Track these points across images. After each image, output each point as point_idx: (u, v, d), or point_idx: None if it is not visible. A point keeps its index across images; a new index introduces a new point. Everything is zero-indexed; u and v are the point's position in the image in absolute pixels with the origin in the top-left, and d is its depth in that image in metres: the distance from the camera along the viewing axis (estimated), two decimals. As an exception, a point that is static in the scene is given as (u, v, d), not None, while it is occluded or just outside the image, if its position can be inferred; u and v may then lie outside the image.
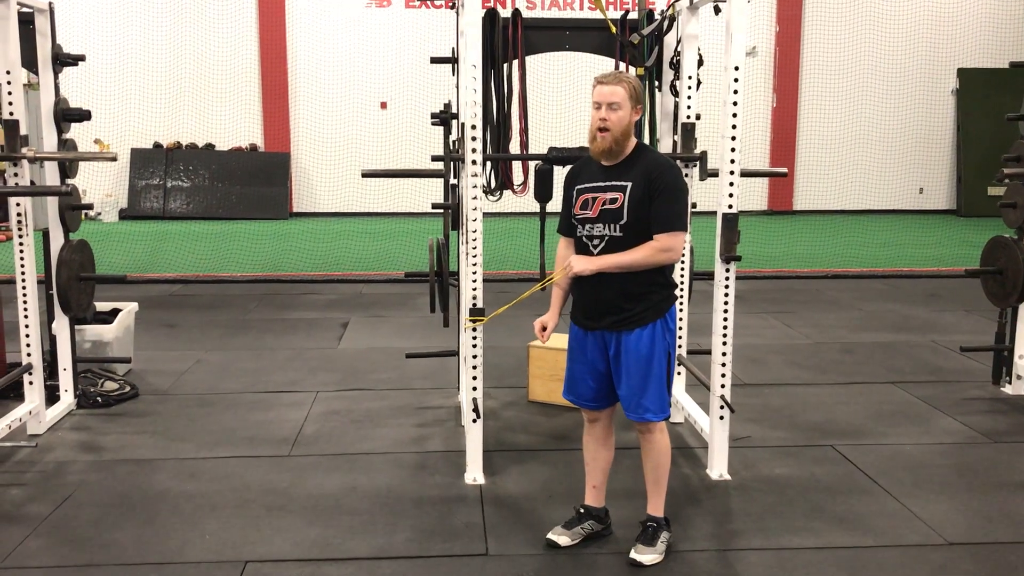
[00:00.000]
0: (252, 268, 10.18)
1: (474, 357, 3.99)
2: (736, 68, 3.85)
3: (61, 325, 5.05)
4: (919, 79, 16.39)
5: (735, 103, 3.88)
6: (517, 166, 5.24)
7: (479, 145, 3.89)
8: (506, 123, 5.02)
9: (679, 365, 5.00)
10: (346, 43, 15.91)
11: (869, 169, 16.62)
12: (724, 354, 4.10)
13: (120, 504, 3.88)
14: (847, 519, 3.75)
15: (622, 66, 5.09)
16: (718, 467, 4.18)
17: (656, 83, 5.06)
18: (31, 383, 4.72)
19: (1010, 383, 5.57)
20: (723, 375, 4.11)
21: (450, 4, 5.11)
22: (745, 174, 4.12)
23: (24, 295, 4.66)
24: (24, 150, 4.52)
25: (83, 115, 4.96)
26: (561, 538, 3.47)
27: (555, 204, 5.05)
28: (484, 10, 4.47)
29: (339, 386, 5.66)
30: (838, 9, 16.16)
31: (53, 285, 4.94)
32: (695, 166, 4.82)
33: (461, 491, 4.02)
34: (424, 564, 3.36)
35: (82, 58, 5.06)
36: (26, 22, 4.75)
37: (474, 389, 4.02)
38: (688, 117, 4.80)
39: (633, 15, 4.95)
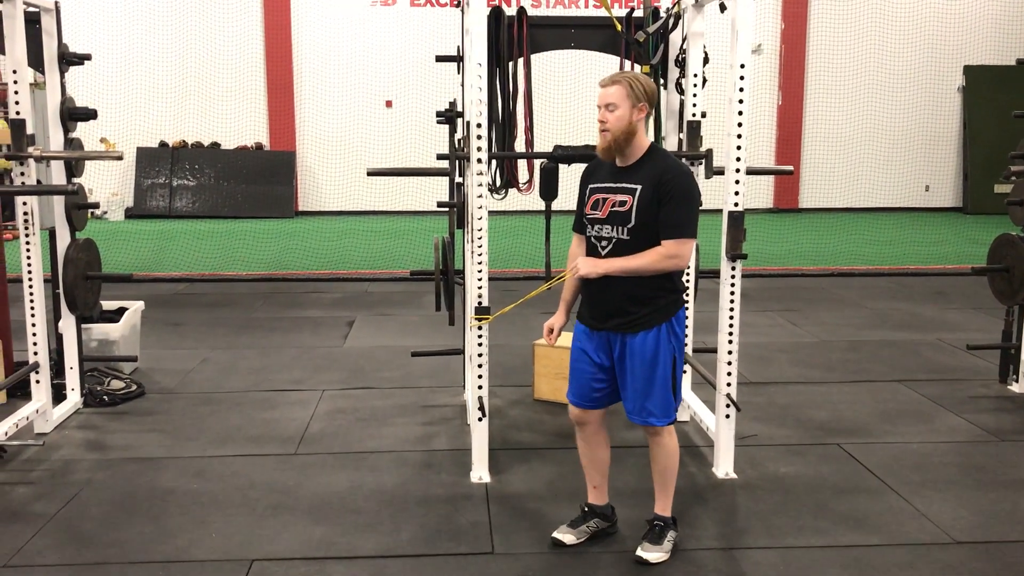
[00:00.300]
0: (258, 267, 10.19)
1: (480, 355, 3.99)
2: (742, 66, 3.84)
3: (68, 324, 5.06)
4: (925, 76, 16.35)
5: (740, 101, 3.88)
6: (522, 164, 5.24)
7: (484, 143, 3.88)
8: (511, 121, 5.02)
9: (685, 364, 4.99)
10: (351, 42, 15.93)
11: (875, 167, 16.59)
12: (730, 352, 4.09)
13: (126, 503, 3.88)
14: (853, 518, 3.74)
15: (627, 65, 5.09)
16: (724, 466, 4.17)
17: (661, 81, 5.05)
18: (38, 382, 4.73)
19: (1017, 381, 5.56)
20: (729, 373, 4.10)
21: (455, 2, 5.11)
22: (751, 172, 4.11)
23: (31, 294, 4.67)
24: (30, 149, 4.53)
25: (89, 114, 4.97)
26: (566, 536, 3.47)
27: (560, 203, 5.06)
28: (489, 8, 4.47)
29: (345, 385, 5.66)
30: (844, 6, 16.13)
31: (60, 284, 4.95)
32: (700, 164, 4.81)
33: (467, 490, 4.02)
34: (430, 563, 3.36)
35: (88, 57, 5.07)
36: (32, 21, 4.76)
37: (480, 387, 4.02)
38: (693, 115, 4.79)
39: (638, 13, 4.94)
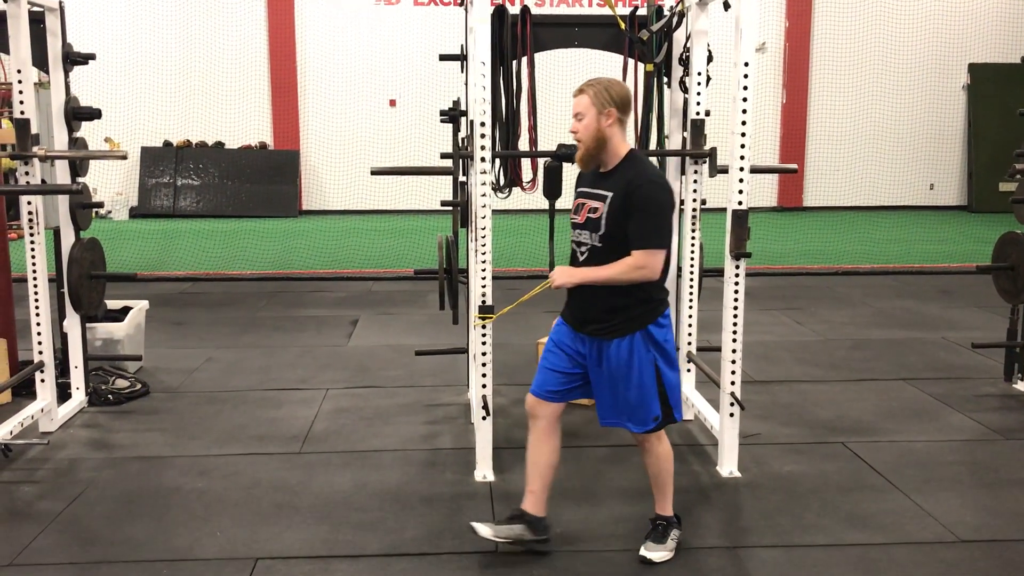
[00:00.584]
0: (262, 266, 10.21)
1: (483, 354, 3.99)
2: (746, 64, 3.84)
3: (72, 323, 5.07)
4: (930, 74, 16.32)
5: (745, 99, 3.87)
6: (526, 163, 5.24)
7: (488, 142, 3.88)
8: (515, 120, 5.02)
9: (689, 362, 4.99)
10: (355, 41, 15.94)
11: (880, 165, 16.56)
12: (734, 351, 4.09)
13: (131, 501, 3.89)
14: (858, 516, 3.73)
15: (631, 63, 5.09)
16: (728, 464, 4.17)
17: (665, 79, 5.05)
18: (43, 381, 4.74)
19: (1022, 379, 5.55)
20: (733, 372, 4.10)
21: (459, 1, 5.11)
22: (755, 170, 4.11)
23: (35, 293, 4.68)
24: (35, 149, 4.54)
25: (93, 114, 4.98)
26: (484, 529, 3.33)
27: (563, 201, 5.05)
28: (493, 7, 4.46)
29: (349, 383, 5.67)
30: (848, 4, 16.10)
31: (64, 283, 4.96)
32: (705, 163, 4.81)
33: (471, 488, 4.02)
34: (434, 561, 3.36)
35: (92, 57, 5.07)
36: (36, 21, 4.76)
37: (483, 386, 4.02)
38: (697, 113, 4.79)
39: (642, 11, 4.93)
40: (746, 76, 3.85)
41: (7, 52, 4.58)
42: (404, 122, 15.64)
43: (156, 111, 15.59)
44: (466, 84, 4.80)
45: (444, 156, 4.95)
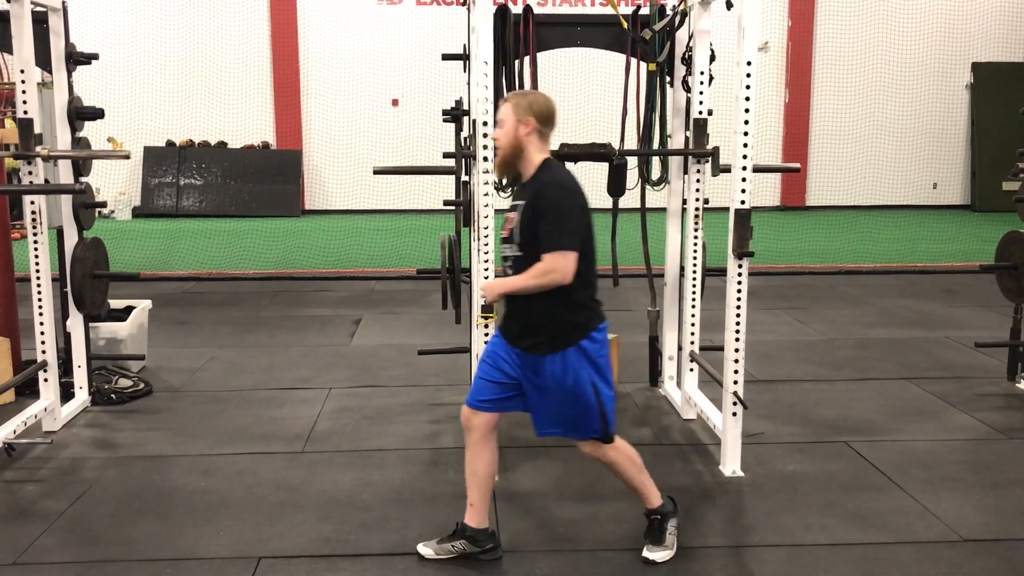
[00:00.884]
0: (264, 265, 10.22)
1: (486, 354, 3.99)
2: (748, 63, 3.84)
3: (75, 322, 5.08)
4: (933, 73, 16.30)
5: (747, 98, 3.87)
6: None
7: (490, 142, 3.88)
8: (517, 119, 5.01)
9: (691, 362, 4.99)
10: (358, 40, 15.95)
11: (882, 164, 16.55)
12: (737, 350, 4.08)
13: (134, 500, 3.90)
14: (861, 515, 3.73)
15: (634, 62, 5.09)
16: (731, 463, 4.17)
17: (668, 79, 5.05)
18: (46, 380, 4.75)
19: (1025, 379, 5.54)
20: (736, 371, 4.10)
21: (461, 1, 5.11)
22: (757, 170, 4.11)
23: (39, 293, 4.68)
24: (38, 148, 4.54)
25: (96, 113, 4.99)
26: (426, 550, 3.35)
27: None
28: (495, 6, 4.47)
29: (351, 383, 5.67)
30: (850, 3, 16.09)
31: (67, 283, 4.97)
32: (707, 162, 4.81)
33: (473, 487, 4.02)
34: (437, 560, 3.36)
35: (95, 57, 5.08)
36: (40, 21, 4.77)
37: (486, 386, 4.01)
38: (700, 113, 4.79)
39: (645, 11, 4.94)
40: (749, 75, 3.85)
41: (10, 52, 4.59)
42: (406, 121, 15.65)
43: (159, 111, 15.61)
44: (468, 83, 4.80)
45: (447, 155, 4.95)
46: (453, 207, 4.92)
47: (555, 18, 5.29)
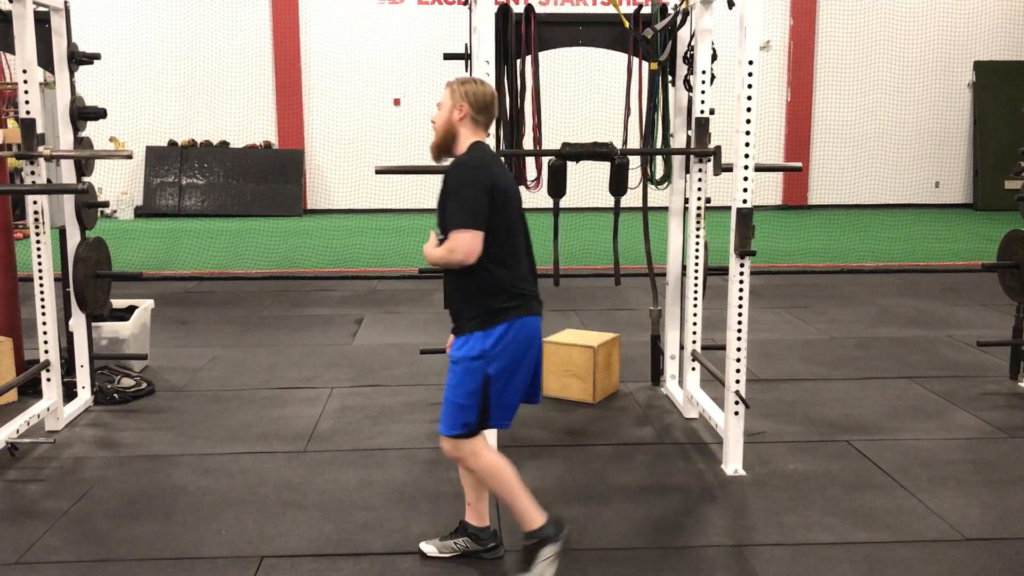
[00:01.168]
0: (267, 265, 10.22)
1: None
2: (750, 62, 3.84)
3: (78, 322, 5.09)
4: (935, 72, 16.28)
5: (749, 98, 3.87)
6: (531, 162, 5.24)
7: (492, 141, 3.88)
8: (519, 119, 5.02)
9: (693, 361, 4.99)
10: (359, 40, 15.95)
11: (885, 163, 16.53)
12: (739, 349, 4.08)
13: (137, 500, 3.90)
14: (863, 515, 3.73)
15: (635, 62, 5.09)
16: (733, 463, 4.17)
17: (670, 78, 5.06)
18: (49, 380, 4.75)
19: (1028, 378, 5.54)
20: (738, 370, 4.10)
21: (463, 0, 5.11)
22: (759, 169, 4.11)
23: (41, 293, 4.69)
24: (41, 148, 4.55)
25: (99, 113, 5.00)
26: (428, 547, 3.37)
27: (568, 200, 5.06)
28: (497, 6, 4.47)
29: (354, 382, 5.68)
30: (853, 2, 16.07)
31: (70, 282, 4.98)
32: (709, 161, 4.80)
33: (475, 487, 4.02)
34: (439, 559, 3.36)
35: (97, 56, 5.09)
36: (42, 21, 4.78)
37: (488, 385, 4.01)
38: (702, 112, 4.79)
39: (646, 10, 4.94)
40: (751, 74, 3.85)
41: (13, 52, 4.59)
42: (408, 121, 15.64)
43: (161, 111, 15.62)
44: (470, 83, 4.80)
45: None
46: (455, 206, 4.91)
47: (557, 17, 5.30)
